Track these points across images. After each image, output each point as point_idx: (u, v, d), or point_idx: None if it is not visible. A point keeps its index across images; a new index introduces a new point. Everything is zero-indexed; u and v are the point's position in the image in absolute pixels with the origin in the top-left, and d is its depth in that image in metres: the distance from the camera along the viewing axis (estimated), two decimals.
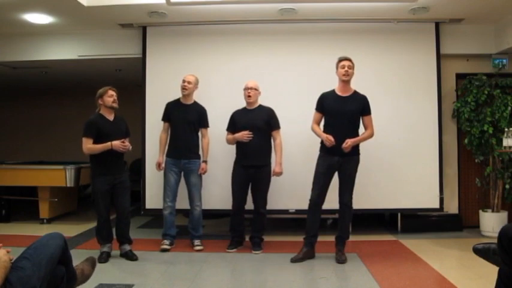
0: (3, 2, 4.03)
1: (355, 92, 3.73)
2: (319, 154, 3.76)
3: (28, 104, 8.20)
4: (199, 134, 4.18)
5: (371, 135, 3.72)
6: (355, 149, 3.67)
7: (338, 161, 3.63)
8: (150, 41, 4.80)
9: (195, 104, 4.19)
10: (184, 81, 4.08)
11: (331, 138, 3.57)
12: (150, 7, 4.29)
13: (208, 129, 4.21)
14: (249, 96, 3.98)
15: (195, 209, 4.09)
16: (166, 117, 4.16)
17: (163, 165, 4.13)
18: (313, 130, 3.78)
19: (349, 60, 3.66)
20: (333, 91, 3.76)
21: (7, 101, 8.17)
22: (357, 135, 3.68)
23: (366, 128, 3.74)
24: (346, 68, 3.63)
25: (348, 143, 3.54)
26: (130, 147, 3.77)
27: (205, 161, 4.16)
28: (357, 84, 4.12)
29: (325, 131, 3.69)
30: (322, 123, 3.80)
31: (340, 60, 3.68)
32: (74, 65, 5.50)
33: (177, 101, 4.17)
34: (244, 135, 3.93)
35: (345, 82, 3.67)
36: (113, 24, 4.79)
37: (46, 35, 5.05)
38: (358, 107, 3.68)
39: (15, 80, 6.80)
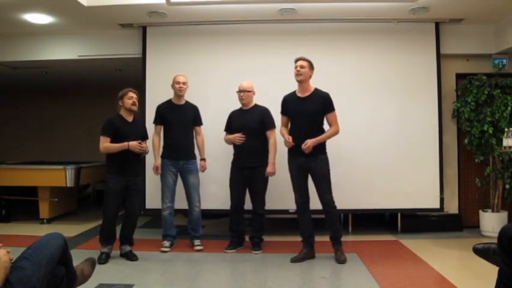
0: (3, 2, 4.03)
1: (316, 91, 3.71)
2: (288, 156, 3.77)
3: (28, 104, 8.20)
4: (194, 132, 4.18)
5: (335, 132, 3.68)
6: (320, 149, 3.63)
7: (305, 161, 3.62)
8: (150, 41, 4.80)
9: (188, 103, 4.19)
10: (179, 82, 4.06)
11: (289, 139, 3.60)
12: (150, 7, 4.29)
13: (202, 126, 4.22)
14: (242, 98, 4.01)
15: (194, 210, 4.09)
16: (159, 120, 4.14)
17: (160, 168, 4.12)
18: (280, 133, 3.81)
19: (303, 59, 3.64)
20: (294, 93, 3.78)
21: (7, 101, 8.17)
22: (320, 134, 3.65)
23: (330, 126, 3.70)
24: (298, 68, 3.63)
25: (308, 143, 3.52)
26: (148, 149, 3.80)
27: (203, 159, 4.18)
28: (357, 84, 4.13)
29: (290, 133, 3.70)
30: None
31: (295, 61, 3.68)
32: (74, 65, 5.50)
33: (169, 102, 4.16)
34: (236, 137, 3.93)
35: (301, 82, 3.67)
36: (113, 24, 4.79)
37: (46, 35, 5.05)
38: (319, 106, 3.65)
39: (15, 80, 6.80)
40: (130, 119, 3.77)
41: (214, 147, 4.39)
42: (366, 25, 4.70)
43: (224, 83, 4.68)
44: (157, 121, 4.15)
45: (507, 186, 4.50)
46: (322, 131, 3.67)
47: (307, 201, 3.74)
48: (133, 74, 5.34)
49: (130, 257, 3.73)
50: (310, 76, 3.69)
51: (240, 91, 4.01)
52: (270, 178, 4.03)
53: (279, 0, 4.18)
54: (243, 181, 3.99)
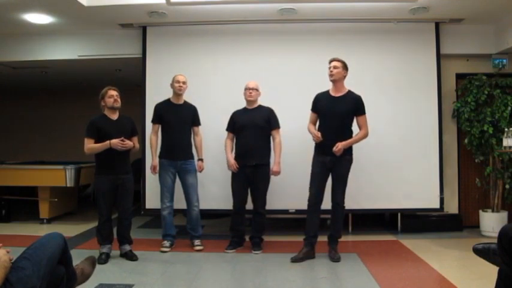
0: (3, 2, 4.03)
1: (349, 92, 3.73)
2: (314, 154, 3.78)
3: (28, 104, 8.20)
4: (192, 133, 4.18)
5: (365, 136, 3.72)
6: (347, 149, 3.66)
7: (330, 160, 3.64)
8: (150, 41, 4.80)
9: (186, 103, 4.19)
10: (179, 81, 4.06)
11: (318, 134, 3.63)
12: (150, 7, 4.29)
13: (201, 126, 4.22)
14: (250, 95, 3.99)
15: (193, 210, 4.08)
16: (157, 119, 4.13)
17: (158, 167, 4.11)
18: (308, 129, 3.82)
19: (336, 60, 3.68)
20: (327, 91, 3.79)
21: (7, 101, 8.18)
22: (349, 135, 3.68)
23: (360, 128, 3.73)
24: (331, 69, 3.66)
25: (339, 146, 3.55)
26: (136, 145, 3.80)
27: (201, 159, 4.18)
28: (358, 84, 4.11)
29: (319, 131, 3.71)
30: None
31: (329, 62, 3.73)
32: (74, 65, 5.50)
33: (168, 101, 4.15)
34: (233, 166, 3.93)
35: (334, 82, 3.70)
36: (113, 24, 4.79)
37: (46, 35, 5.05)
38: (351, 108, 3.67)
39: (15, 80, 6.81)
40: (114, 117, 3.75)
41: (214, 147, 4.39)
42: (365, 25, 4.70)
43: (224, 83, 4.68)
44: (155, 120, 4.15)
45: (507, 186, 4.50)
46: (351, 133, 3.70)
47: (320, 202, 3.73)
48: (133, 74, 5.35)
49: (130, 256, 3.73)
50: (344, 77, 3.70)
51: (248, 88, 4.01)
52: (271, 178, 4.03)
53: (279, 0, 4.19)
54: (245, 180, 3.98)
